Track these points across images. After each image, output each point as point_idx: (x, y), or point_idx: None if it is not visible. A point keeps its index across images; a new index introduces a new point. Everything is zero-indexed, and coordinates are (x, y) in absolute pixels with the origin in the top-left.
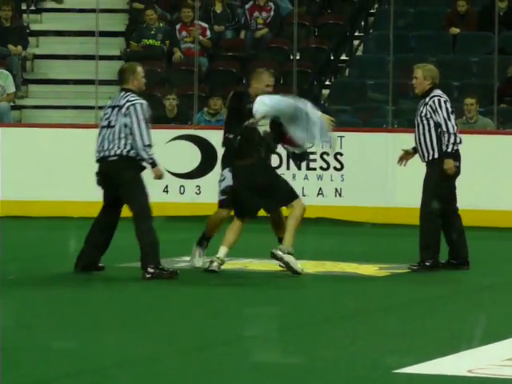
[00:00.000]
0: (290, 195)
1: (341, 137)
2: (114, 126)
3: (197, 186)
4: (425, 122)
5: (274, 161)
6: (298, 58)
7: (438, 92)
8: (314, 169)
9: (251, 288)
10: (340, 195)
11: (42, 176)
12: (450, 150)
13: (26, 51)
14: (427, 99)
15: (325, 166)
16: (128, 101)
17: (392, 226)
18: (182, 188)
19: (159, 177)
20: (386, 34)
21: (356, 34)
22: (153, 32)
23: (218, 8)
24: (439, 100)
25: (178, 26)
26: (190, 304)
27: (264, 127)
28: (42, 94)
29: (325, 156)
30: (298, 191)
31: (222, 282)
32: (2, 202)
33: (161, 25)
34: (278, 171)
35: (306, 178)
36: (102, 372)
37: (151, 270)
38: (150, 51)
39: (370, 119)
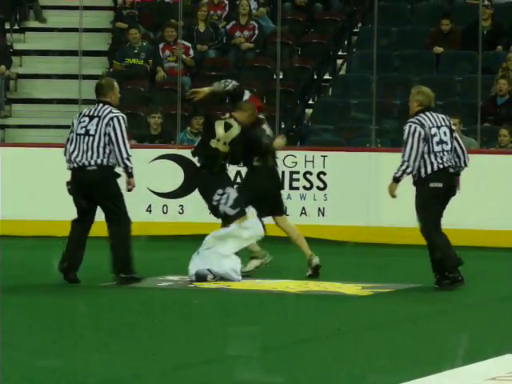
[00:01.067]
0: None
1: (324, 156)
2: (93, 135)
3: (180, 206)
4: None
5: None
6: (281, 77)
7: (419, 117)
8: (298, 188)
9: (235, 307)
10: (323, 214)
11: (24, 195)
12: (398, 175)
13: (9, 70)
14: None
15: (308, 185)
16: (111, 112)
17: (375, 246)
18: (165, 207)
19: (132, 188)
20: (369, 53)
21: (339, 53)
22: (136, 51)
23: (201, 27)
24: (410, 126)
25: (161, 45)
26: (174, 323)
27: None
28: (25, 113)
29: (308, 175)
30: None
31: (205, 301)
32: None
33: (144, 44)
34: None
35: (289, 197)
36: None
37: (124, 276)
38: (133, 70)
39: (353, 138)
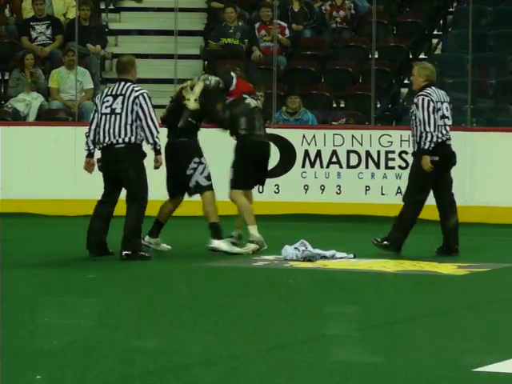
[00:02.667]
0: None
1: None
2: (119, 114)
3: (275, 185)
4: (412, 117)
5: (353, 159)
6: (376, 56)
7: (427, 90)
8: (393, 167)
9: (331, 287)
10: None
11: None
12: (426, 147)
13: (104, 50)
14: (415, 97)
15: (403, 164)
16: (135, 90)
17: (471, 225)
18: (260, 187)
19: (159, 165)
20: (464, 33)
21: (435, 32)
22: (231, 31)
23: (296, 7)
24: (423, 99)
25: (257, 25)
26: (269, 302)
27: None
28: None
29: (403, 155)
30: (377, 190)
31: (301, 281)
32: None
33: (240, 23)
34: (357, 170)
35: (384, 176)
36: (184, 370)
37: (128, 252)
38: (229, 50)
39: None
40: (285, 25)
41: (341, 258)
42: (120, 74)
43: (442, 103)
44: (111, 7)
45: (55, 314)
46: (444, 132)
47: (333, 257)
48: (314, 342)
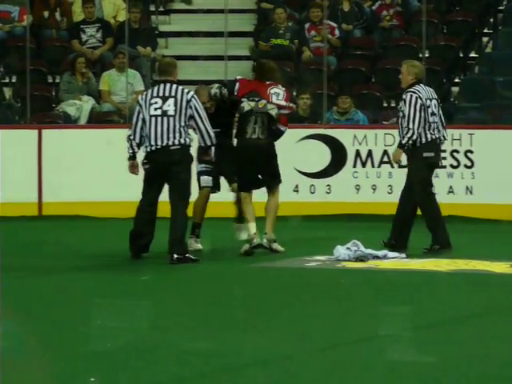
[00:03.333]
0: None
1: (471, 134)
2: (173, 116)
3: (327, 185)
4: (400, 113)
5: (404, 158)
6: (427, 55)
7: (416, 88)
8: (445, 166)
9: (383, 286)
10: (471, 193)
11: None
12: (404, 141)
13: (155, 52)
14: (404, 93)
15: (455, 163)
16: (186, 93)
17: None
18: (312, 187)
19: (209, 158)
20: None
21: (485, 30)
22: (281, 31)
23: (346, 7)
24: (411, 95)
25: (306, 26)
26: (322, 302)
27: (274, 110)
28: None
29: (455, 154)
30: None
31: (354, 281)
32: None
33: (289, 24)
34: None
35: (436, 176)
36: (237, 371)
37: (178, 256)
38: (279, 50)
39: (500, 116)
40: (334, 25)
41: (393, 257)
42: (162, 76)
43: (430, 100)
44: (161, 9)
45: (108, 316)
46: (435, 130)
47: (385, 257)
48: (367, 342)
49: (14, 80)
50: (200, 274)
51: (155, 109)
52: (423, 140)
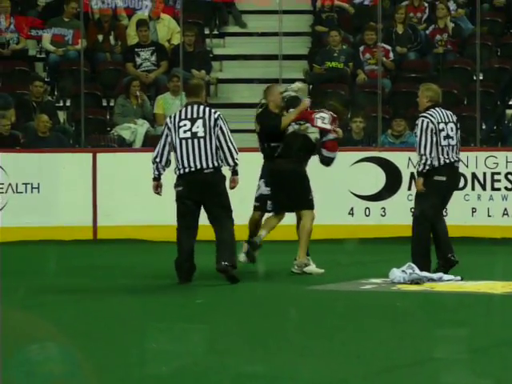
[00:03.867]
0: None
1: None
2: (203, 137)
3: (382, 208)
4: (416, 138)
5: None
6: (481, 78)
7: (430, 112)
8: (499, 189)
9: (439, 309)
10: None
11: None
12: (420, 169)
13: (209, 76)
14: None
15: (510, 186)
16: (213, 112)
17: None
18: (367, 210)
19: (236, 185)
20: None
21: None
22: (336, 54)
23: (400, 29)
24: (423, 120)
25: (361, 48)
26: (377, 325)
27: (314, 134)
28: (225, 117)
29: (509, 176)
30: (484, 212)
31: (409, 304)
32: None
33: (344, 47)
34: (463, 192)
35: (491, 198)
36: None
37: (232, 274)
38: (334, 73)
39: None
40: (389, 48)
41: (448, 280)
42: (190, 97)
43: (445, 124)
44: (215, 32)
45: (163, 339)
46: (450, 153)
47: (440, 279)
48: (423, 365)
49: (68, 104)
50: (255, 296)
51: (184, 131)
52: (435, 164)
